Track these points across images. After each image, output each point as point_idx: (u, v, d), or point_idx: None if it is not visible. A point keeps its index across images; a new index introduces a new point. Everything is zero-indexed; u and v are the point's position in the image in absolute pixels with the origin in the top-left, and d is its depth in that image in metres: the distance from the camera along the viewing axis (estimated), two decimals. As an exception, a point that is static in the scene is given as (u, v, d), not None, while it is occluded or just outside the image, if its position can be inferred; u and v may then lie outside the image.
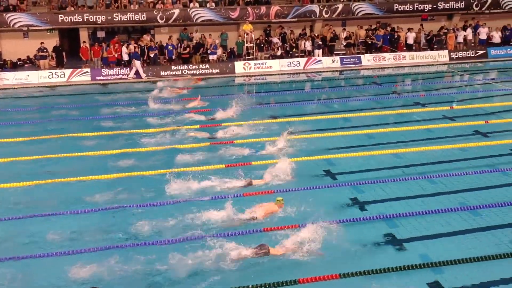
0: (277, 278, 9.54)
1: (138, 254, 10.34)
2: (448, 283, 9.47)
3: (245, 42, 30.41)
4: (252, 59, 30.25)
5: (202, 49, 30.02)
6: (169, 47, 29.42)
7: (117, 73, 28.18)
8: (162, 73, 28.56)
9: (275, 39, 31.43)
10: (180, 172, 13.94)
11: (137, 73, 28.12)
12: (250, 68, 29.67)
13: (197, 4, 31.25)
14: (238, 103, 20.29)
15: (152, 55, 29.11)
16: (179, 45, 29.82)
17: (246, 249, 10.23)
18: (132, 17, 29.86)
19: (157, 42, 29.95)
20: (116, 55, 28.76)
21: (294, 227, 11.12)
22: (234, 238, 10.82)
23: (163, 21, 30.20)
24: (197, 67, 29.09)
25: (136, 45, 28.72)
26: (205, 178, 13.64)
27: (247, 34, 30.41)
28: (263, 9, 31.41)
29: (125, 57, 28.75)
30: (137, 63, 28.05)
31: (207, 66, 29.23)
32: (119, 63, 28.88)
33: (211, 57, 29.77)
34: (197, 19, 30.61)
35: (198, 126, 19.02)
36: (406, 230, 11.28)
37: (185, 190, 13.16)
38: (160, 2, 30.80)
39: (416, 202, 12.77)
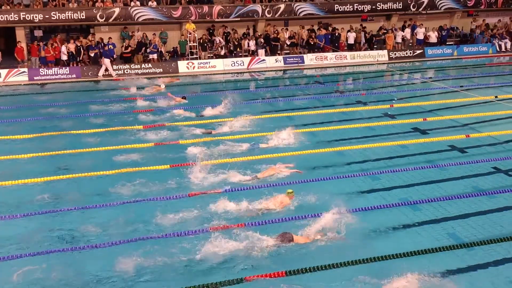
0: (303, 264, 9.91)
1: (170, 245, 10.60)
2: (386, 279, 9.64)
3: (188, 42, 30.17)
4: (196, 58, 30.05)
5: (144, 48, 29.59)
6: (109, 46, 28.83)
7: (55, 72, 27.35)
8: (103, 72, 28.02)
9: (218, 39, 31.35)
10: (187, 167, 14.38)
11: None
12: (194, 67, 29.46)
13: (138, 3, 30.77)
14: (226, 100, 20.83)
15: (92, 55, 28.44)
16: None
17: (271, 237, 10.64)
18: (71, 15, 29.08)
19: (107, 42, 29.12)
20: (55, 55, 27.93)
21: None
22: (258, 227, 11.20)
23: (103, 20, 29.55)
24: (139, 67, 28.64)
25: (78, 44, 28.10)
26: (213, 171, 14.03)
27: (190, 33, 30.19)
28: (206, 8, 31.27)
29: (64, 56, 27.95)
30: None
31: (150, 65, 28.82)
32: (58, 62, 28.04)
33: (151, 56, 29.38)
34: (138, 18, 30.13)
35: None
36: (348, 227, 11.41)
37: (196, 184, 13.52)
38: (100, 0, 30.12)
39: (358, 198, 12.99)
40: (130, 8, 30.10)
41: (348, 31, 32.83)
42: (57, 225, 11.79)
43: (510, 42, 34.35)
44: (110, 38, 29.20)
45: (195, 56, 30.22)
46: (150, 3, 30.98)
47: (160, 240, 10.90)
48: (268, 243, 10.51)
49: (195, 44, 30.27)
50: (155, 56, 29.44)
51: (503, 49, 33.91)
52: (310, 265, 9.89)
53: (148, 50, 29.46)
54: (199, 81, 27.65)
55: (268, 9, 32.18)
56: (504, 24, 36.13)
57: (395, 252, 10.42)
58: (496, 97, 22.72)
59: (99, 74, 27.78)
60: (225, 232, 10.96)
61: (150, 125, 18.77)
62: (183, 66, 29.33)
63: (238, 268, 9.95)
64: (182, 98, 22.47)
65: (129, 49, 29.23)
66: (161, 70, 28.80)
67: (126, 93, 24.08)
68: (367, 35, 33.15)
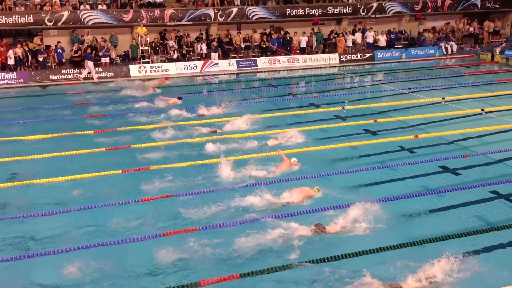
0: (341, 251, 10.68)
1: (208, 237, 11.08)
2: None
3: (140, 45, 29.85)
4: (148, 62, 29.76)
5: (94, 52, 29.08)
6: (58, 50, 28.22)
7: (2, 78, 26.54)
8: (51, 77, 27.31)
9: (170, 42, 31.15)
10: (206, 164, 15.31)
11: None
12: (146, 71, 29.16)
13: (87, 6, 30.23)
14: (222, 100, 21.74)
15: (41, 59, 27.75)
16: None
17: (306, 228, 11.27)
18: (18, 19, 28.24)
19: (56, 46, 28.41)
20: (1, 60, 27.10)
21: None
22: (290, 218, 11.89)
23: (51, 24, 28.87)
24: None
25: (26, 49, 27.42)
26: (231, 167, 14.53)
27: (142, 37, 29.88)
28: (157, 12, 31.02)
29: (11, 61, 27.15)
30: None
31: (101, 69, 28.34)
32: (4, 67, 27.22)
33: (102, 60, 28.92)
34: (88, 21, 29.58)
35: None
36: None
37: (215, 179, 14.17)
38: (48, 4, 29.43)
39: (311, 200, 13.12)
40: (79, 11, 29.53)
41: (301, 34, 33.24)
42: (3, 233, 11.51)
43: (456, 45, 35.45)
44: (59, 42, 28.58)
45: (147, 60, 29.93)
46: (100, 6, 30.49)
47: (200, 233, 11.39)
48: (304, 232, 11.16)
49: (146, 48, 29.98)
50: (107, 59, 28.99)
51: (449, 51, 34.97)
52: (348, 251, 10.65)
53: (100, 54, 28.96)
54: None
55: (220, 12, 32.19)
56: (450, 27, 37.28)
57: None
58: (443, 98, 23.44)
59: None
60: (262, 223, 11.59)
61: (132, 127, 18.63)
62: (134, 70, 28.97)
63: (283, 255, 10.54)
64: (178, 98, 22.65)
65: (79, 53, 28.69)
66: (112, 74, 28.36)
67: (78, 98, 23.65)
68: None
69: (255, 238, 10.94)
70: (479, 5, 37.74)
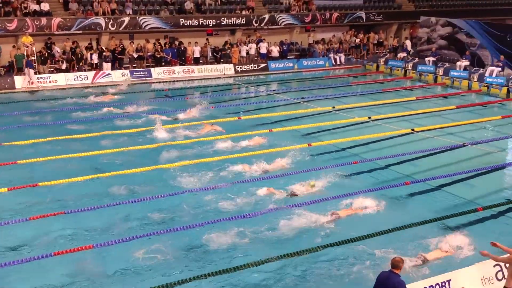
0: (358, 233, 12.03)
1: (247, 225, 12.24)
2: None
3: (26, 56, 28.30)
4: (35, 73, 28.27)
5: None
6: None
7: None
8: None
9: (58, 52, 29.84)
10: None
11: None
12: (33, 83, 27.71)
13: (-34, 14, 28.26)
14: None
15: None
16: None
17: (325, 214, 12.68)
18: None
19: None
20: None
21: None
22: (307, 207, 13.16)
23: None
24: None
25: None
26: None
27: (27, 46, 28.36)
28: (44, 20, 29.61)
29: None
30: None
31: (-18, 81, 26.58)
32: None
33: (-15, 70, 27.21)
34: (-33, 30, 27.66)
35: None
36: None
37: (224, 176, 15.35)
38: None
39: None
40: (-43, 19, 27.54)
41: (194, 44, 33.21)
42: None
43: (344, 56, 37.12)
44: None
45: (33, 70, 28.43)
46: (-20, 14, 28.63)
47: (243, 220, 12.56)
48: (325, 219, 12.54)
49: (33, 58, 28.49)
50: (-11, 70, 27.29)
51: (338, 62, 36.54)
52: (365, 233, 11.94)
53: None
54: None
55: (111, 22, 31.36)
56: (338, 38, 38.99)
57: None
58: (333, 107, 24.39)
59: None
60: (289, 211, 12.94)
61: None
62: (20, 81, 27.46)
63: (314, 238, 11.84)
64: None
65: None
66: (-4, 86, 26.71)
67: None
68: (213, 50, 33.77)
69: (285, 224, 12.28)
70: (364, 18, 39.82)
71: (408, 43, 38.55)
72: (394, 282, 8.06)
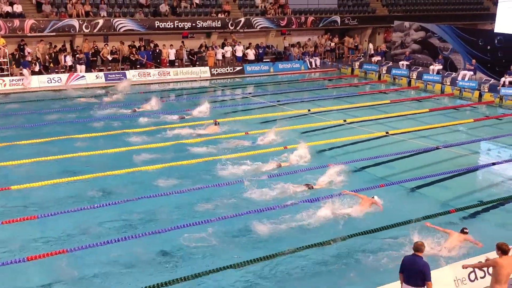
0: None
1: (266, 218, 12.80)
2: None
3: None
4: (7, 75, 27.83)
5: None
6: None
7: None
8: None
9: (32, 54, 29.42)
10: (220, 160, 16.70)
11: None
12: (5, 85, 27.31)
13: None
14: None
15: None
16: None
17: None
18: None
19: None
20: None
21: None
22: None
23: None
24: None
25: None
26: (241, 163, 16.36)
27: (0, 48, 27.91)
28: (17, 22, 29.19)
29: None
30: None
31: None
32: None
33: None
34: None
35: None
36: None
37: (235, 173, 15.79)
38: None
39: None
40: None
41: (170, 47, 33.09)
42: None
43: (320, 59, 37.36)
44: None
45: (5, 72, 27.99)
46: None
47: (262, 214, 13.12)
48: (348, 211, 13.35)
49: (5, 60, 28.04)
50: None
51: (313, 65, 36.78)
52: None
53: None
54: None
55: (86, 24, 31.05)
56: (314, 42, 39.24)
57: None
58: (309, 110, 24.53)
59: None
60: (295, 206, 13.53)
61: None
62: (-8, 83, 27.05)
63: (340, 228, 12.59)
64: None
65: None
66: (-34, 88, 26.22)
67: None
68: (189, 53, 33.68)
69: (301, 216, 12.98)
70: (339, 22, 40.16)
71: (371, 46, 38.83)
72: (421, 264, 8.89)
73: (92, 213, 13.09)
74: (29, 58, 28.94)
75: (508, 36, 30.92)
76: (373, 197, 13.81)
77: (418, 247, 9.03)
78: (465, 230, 11.75)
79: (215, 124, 20.86)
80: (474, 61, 31.33)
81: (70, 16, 31.21)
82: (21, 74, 28.08)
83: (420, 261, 8.90)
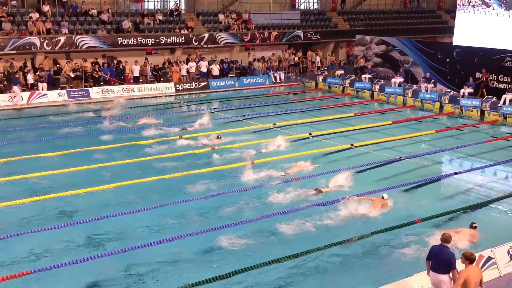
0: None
1: (284, 221, 13.71)
2: None
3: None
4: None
5: None
6: None
7: None
8: None
9: (-7, 73, 28.88)
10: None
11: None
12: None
13: None
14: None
15: None
16: None
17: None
18: None
19: None
20: None
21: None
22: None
23: None
24: None
25: None
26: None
27: (-42, 67, 27.31)
28: (-25, 40, 28.64)
29: None
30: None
31: None
32: None
33: None
34: None
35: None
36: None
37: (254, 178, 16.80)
38: None
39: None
40: None
41: (134, 63, 32.90)
42: None
43: (284, 74, 37.67)
44: None
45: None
46: None
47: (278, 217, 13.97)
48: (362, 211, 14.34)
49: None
50: None
51: (278, 80, 37.04)
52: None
53: None
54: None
55: (47, 41, 30.63)
56: (278, 57, 39.58)
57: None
58: (274, 124, 24.67)
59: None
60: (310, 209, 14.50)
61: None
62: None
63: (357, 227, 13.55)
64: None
65: None
66: None
67: None
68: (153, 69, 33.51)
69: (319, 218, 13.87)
70: (302, 37, 40.66)
71: (318, 58, 40.21)
72: (447, 253, 9.61)
73: (57, 232, 12.84)
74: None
75: (466, 48, 31.86)
76: (382, 197, 14.97)
77: (446, 238, 9.79)
78: (473, 225, 12.71)
79: (217, 138, 21.53)
80: (428, 74, 32.34)
81: (31, 33, 30.73)
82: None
83: (447, 250, 9.62)
